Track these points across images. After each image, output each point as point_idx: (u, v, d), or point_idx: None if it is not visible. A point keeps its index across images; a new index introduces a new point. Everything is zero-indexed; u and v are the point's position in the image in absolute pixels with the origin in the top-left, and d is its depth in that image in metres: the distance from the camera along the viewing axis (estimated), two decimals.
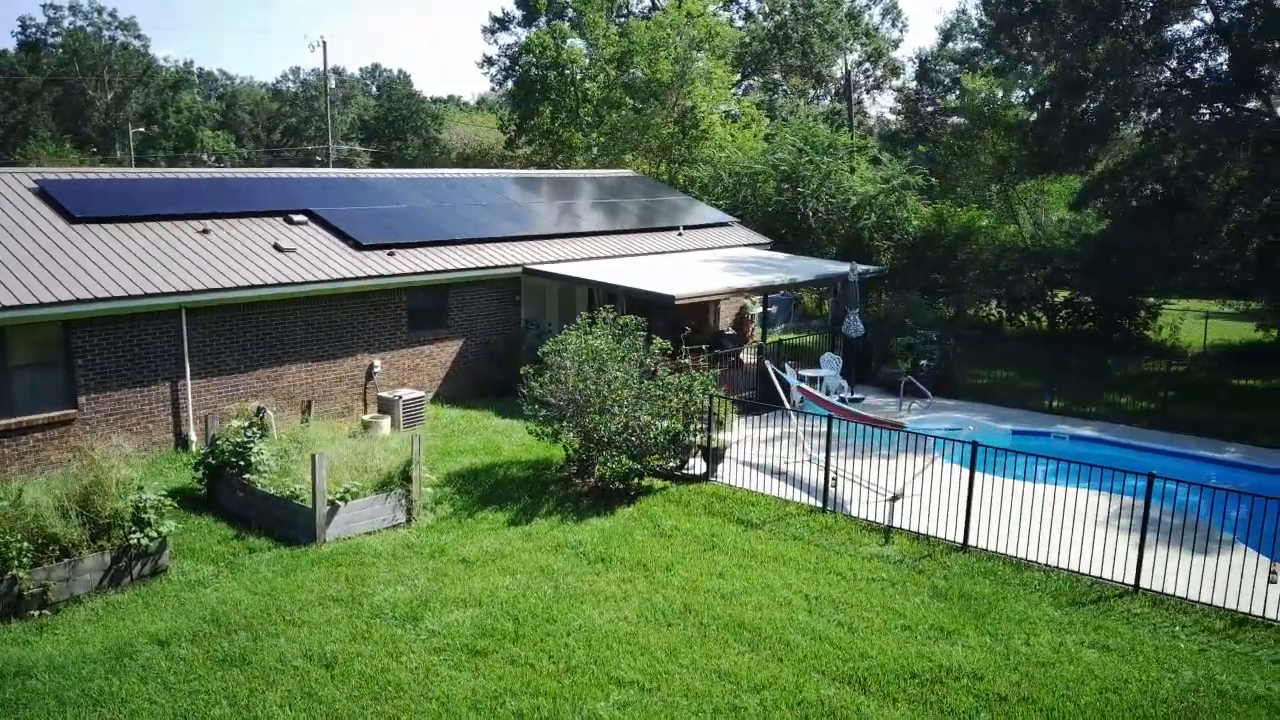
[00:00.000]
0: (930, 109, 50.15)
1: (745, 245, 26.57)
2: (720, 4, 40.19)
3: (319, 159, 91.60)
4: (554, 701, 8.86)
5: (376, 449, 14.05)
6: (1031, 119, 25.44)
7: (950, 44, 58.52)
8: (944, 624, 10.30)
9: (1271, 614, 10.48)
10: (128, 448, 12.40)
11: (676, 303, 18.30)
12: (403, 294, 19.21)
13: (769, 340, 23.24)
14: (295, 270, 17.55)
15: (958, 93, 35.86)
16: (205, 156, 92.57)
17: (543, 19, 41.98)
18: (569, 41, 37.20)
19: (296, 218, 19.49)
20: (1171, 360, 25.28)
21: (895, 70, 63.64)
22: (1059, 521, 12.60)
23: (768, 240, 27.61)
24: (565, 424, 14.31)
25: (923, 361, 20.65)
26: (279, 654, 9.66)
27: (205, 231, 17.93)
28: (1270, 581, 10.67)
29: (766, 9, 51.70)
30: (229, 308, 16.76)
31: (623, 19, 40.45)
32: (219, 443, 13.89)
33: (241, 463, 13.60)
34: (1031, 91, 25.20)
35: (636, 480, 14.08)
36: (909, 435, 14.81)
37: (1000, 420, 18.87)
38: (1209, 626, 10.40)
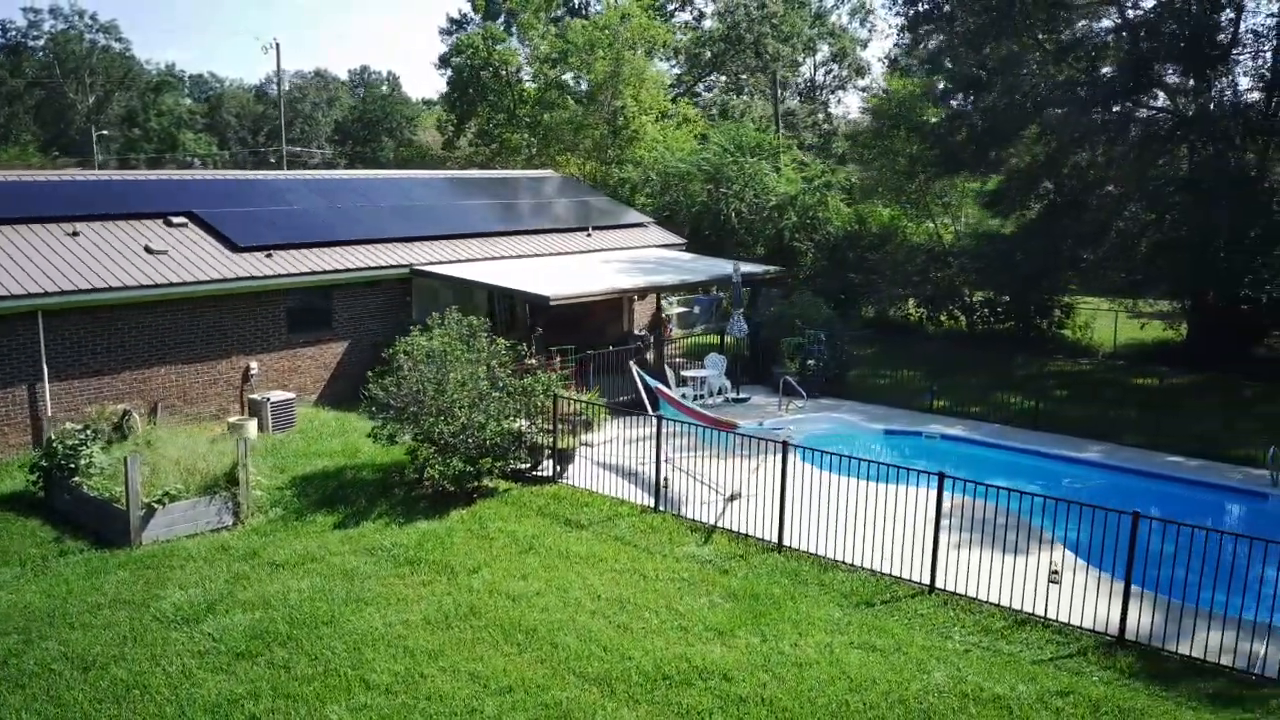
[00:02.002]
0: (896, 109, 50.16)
1: (657, 246, 26.55)
2: (653, 4, 40.10)
3: (311, 161, 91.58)
4: (293, 705, 8.85)
5: (213, 451, 14.02)
6: (934, 120, 25.45)
7: (923, 45, 58.52)
8: (720, 625, 10.28)
9: (1051, 614, 10.47)
10: None
11: (551, 304, 18.27)
12: (281, 295, 19.17)
13: (689, 341, 23.22)
14: (161, 272, 17.50)
15: (880, 92, 35.80)
16: (195, 160, 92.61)
17: (479, 18, 41.85)
18: (503, 43, 37.14)
19: (177, 220, 19.44)
20: (1079, 359, 25.39)
21: (860, 70, 63.64)
22: (876, 521, 12.56)
23: (681, 241, 27.59)
24: (403, 425, 14.27)
25: (810, 361, 20.63)
26: (41, 657, 9.64)
27: (75, 234, 17.87)
28: (1051, 582, 10.65)
29: (720, 9, 51.59)
30: (92, 310, 16.71)
31: (567, 18, 40.38)
32: (54, 445, 13.86)
33: (73, 465, 13.57)
34: (940, 89, 25.19)
35: (473, 482, 14.04)
36: (748, 435, 14.77)
37: (876, 420, 18.86)
38: (988, 626, 10.39)
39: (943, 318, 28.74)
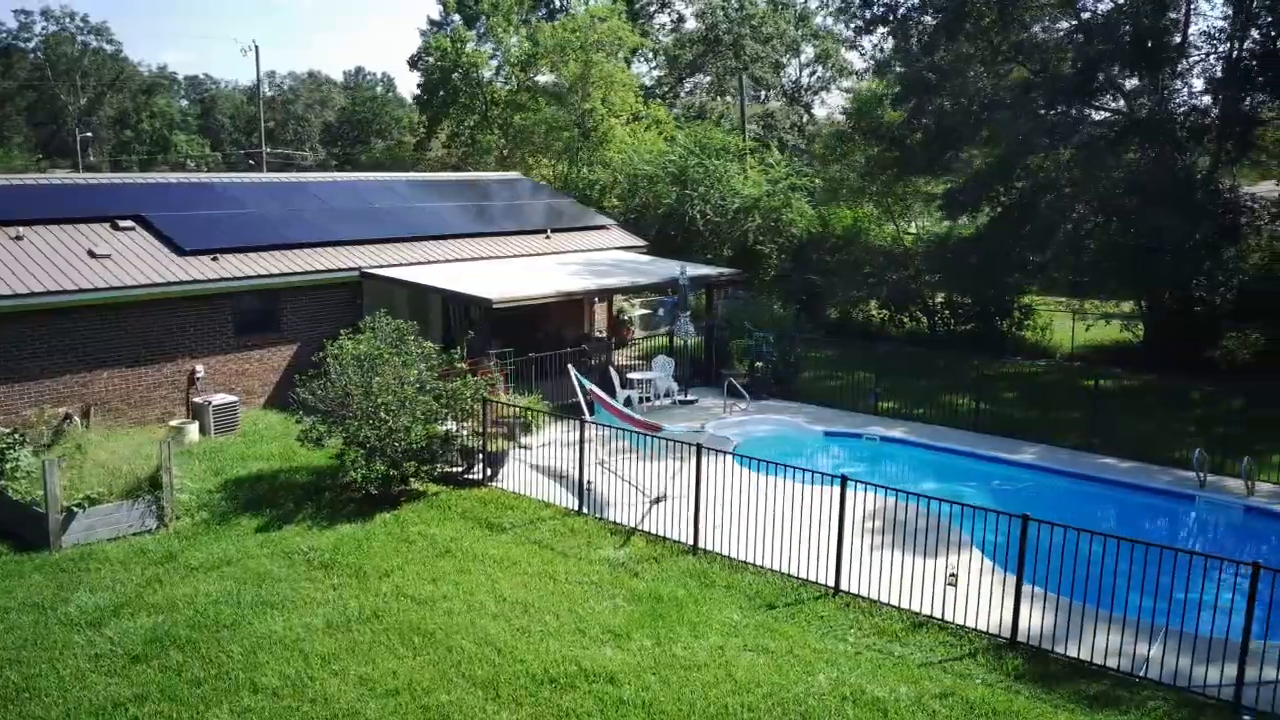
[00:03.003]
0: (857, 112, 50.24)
1: (617, 248, 26.61)
2: (629, 7, 40.20)
3: (304, 162, 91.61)
4: (177, 708, 8.92)
5: (139, 455, 14.07)
6: (890, 122, 25.52)
7: (878, 48, 58.58)
8: (618, 628, 10.35)
9: (950, 616, 10.54)
10: None
11: (494, 306, 18.33)
12: (227, 298, 19.22)
13: (651, 343, 23.23)
14: (103, 276, 17.56)
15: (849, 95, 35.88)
16: (188, 162, 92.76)
17: (459, 19, 41.91)
18: (471, 45, 37.19)
19: (124, 223, 19.50)
20: (1037, 361, 25.47)
21: (843, 71, 63.70)
22: (789, 523, 12.58)
23: (643, 243, 27.66)
24: (331, 429, 14.33)
25: (758, 364, 20.70)
26: None
27: (18, 238, 17.92)
28: (948, 585, 10.72)
29: (698, 11, 51.68)
30: (31, 314, 16.75)
31: (536, 19, 40.44)
32: None
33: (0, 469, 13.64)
34: (895, 92, 25.25)
35: (399, 486, 14.12)
36: (665, 438, 14.84)
37: (820, 422, 18.92)
38: (885, 629, 10.46)
39: (905, 320, 28.82)
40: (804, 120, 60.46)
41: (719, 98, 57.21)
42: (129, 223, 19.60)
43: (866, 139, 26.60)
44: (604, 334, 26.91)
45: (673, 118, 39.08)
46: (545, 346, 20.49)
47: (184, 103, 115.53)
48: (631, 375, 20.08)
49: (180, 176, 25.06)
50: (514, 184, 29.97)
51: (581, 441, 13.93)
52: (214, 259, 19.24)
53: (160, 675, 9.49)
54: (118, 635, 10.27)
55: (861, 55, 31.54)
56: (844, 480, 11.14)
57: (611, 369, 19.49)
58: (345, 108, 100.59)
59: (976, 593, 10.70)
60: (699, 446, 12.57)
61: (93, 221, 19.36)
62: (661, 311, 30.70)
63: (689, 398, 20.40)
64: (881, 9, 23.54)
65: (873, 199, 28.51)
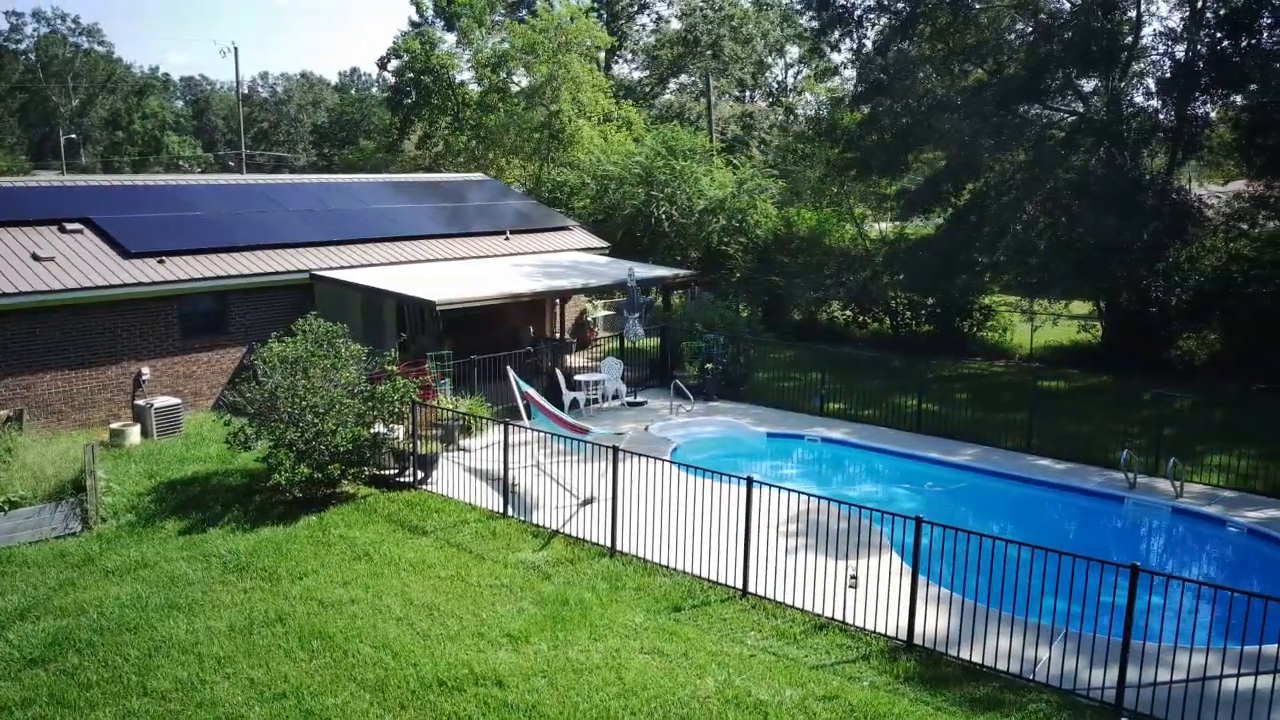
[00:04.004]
0: (816, 114, 50.29)
1: (577, 250, 26.62)
2: (603, 7, 40.21)
3: (297, 164, 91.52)
4: (64, 712, 8.94)
5: (65, 458, 14.10)
6: (847, 124, 25.55)
7: (836, 49, 58.59)
8: (518, 631, 10.37)
9: (851, 619, 10.56)
10: None
11: (438, 308, 18.34)
12: (173, 301, 19.24)
13: (616, 345, 23.14)
14: (44, 279, 17.58)
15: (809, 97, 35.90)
16: (181, 163, 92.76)
17: (441, 21, 41.93)
18: (444, 46, 37.19)
19: (71, 226, 19.52)
20: (996, 361, 25.51)
21: (827, 71, 63.71)
22: (707, 525, 12.59)
23: (604, 245, 27.67)
24: (259, 430, 14.35)
25: (708, 365, 20.72)
26: None
27: None
28: (849, 586, 10.74)
29: (678, 13, 51.68)
30: None
31: (508, 20, 40.42)
32: None
33: None
34: (854, 93, 25.28)
35: (325, 489, 14.14)
36: (587, 441, 14.84)
37: (765, 423, 18.93)
38: (785, 631, 10.48)
39: (869, 321, 28.86)
40: (788, 120, 60.47)
41: (700, 99, 57.22)
42: (76, 225, 19.62)
43: (824, 140, 26.60)
44: (568, 336, 26.96)
45: (644, 118, 39.06)
46: (502, 348, 20.51)
47: (179, 104, 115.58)
48: (579, 377, 20.09)
49: (134, 179, 25.03)
50: (478, 185, 29.98)
51: (505, 445, 13.95)
52: (160, 261, 19.26)
53: (52, 679, 9.51)
54: (19, 639, 10.29)
55: (820, 57, 31.39)
56: (749, 482, 11.16)
57: (558, 371, 19.49)
58: (334, 108, 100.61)
59: (885, 595, 10.72)
60: (615, 449, 12.58)
61: (40, 224, 19.39)
62: (626, 312, 30.69)
63: (638, 399, 20.42)
64: (838, 10, 23.53)
65: (833, 200, 28.54)
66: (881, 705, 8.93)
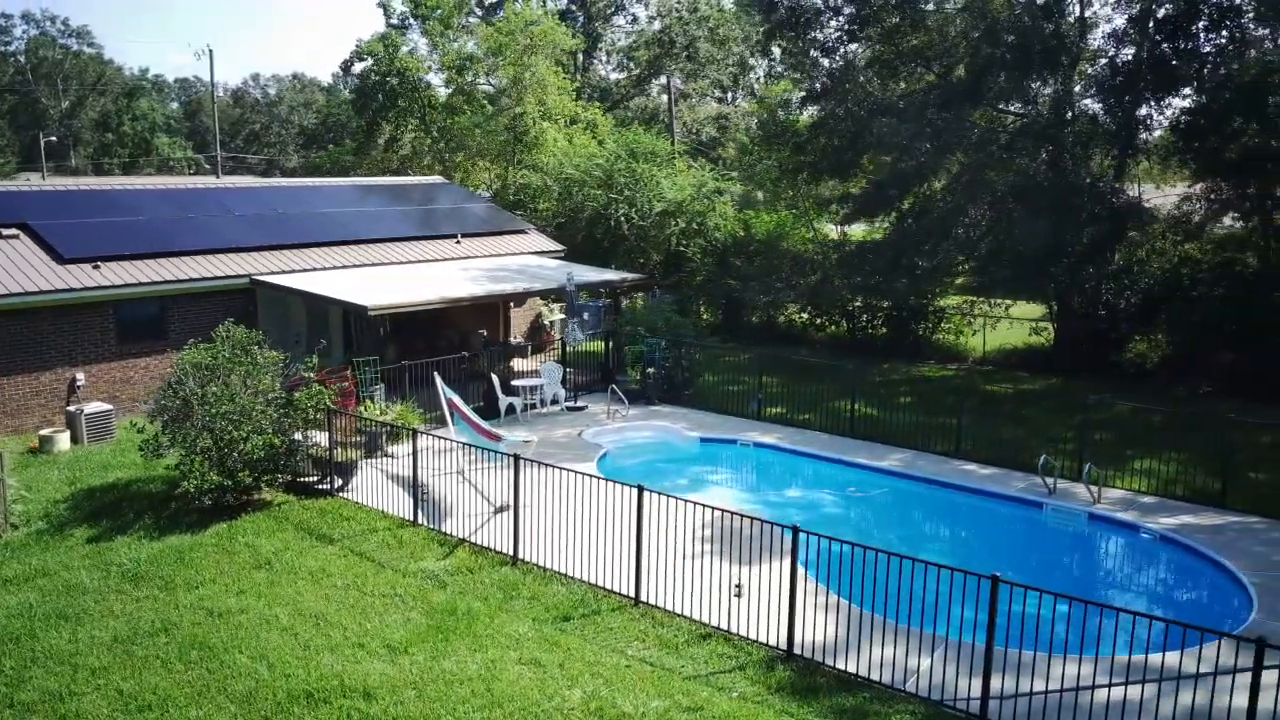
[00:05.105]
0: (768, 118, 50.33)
1: (531, 253, 26.57)
2: (556, 12, 40.19)
3: (289, 165, 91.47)
4: None
5: None
6: (796, 127, 25.55)
7: (785, 52, 58.46)
8: (400, 642, 10.32)
9: (734, 628, 10.52)
10: None
11: (370, 314, 18.29)
12: (110, 306, 19.20)
13: (572, 348, 23.04)
14: None
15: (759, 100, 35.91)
16: (173, 164, 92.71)
17: (419, 22, 41.86)
18: (407, 49, 37.15)
19: (7, 231, 19.49)
20: (948, 365, 25.47)
21: (776, 74, 63.57)
22: (607, 534, 12.52)
23: (559, 249, 27.63)
24: (173, 437, 14.31)
25: (649, 369, 20.68)
26: None
27: None
28: (735, 595, 10.70)
29: (654, 14, 51.62)
30: None
31: (478, 22, 40.38)
32: None
33: None
34: (802, 96, 25.26)
35: (235, 496, 14.09)
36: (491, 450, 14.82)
37: (700, 428, 18.87)
38: (669, 641, 10.44)
39: (827, 324, 28.83)
40: (756, 123, 60.43)
41: (680, 100, 57.18)
42: (12, 230, 19.59)
43: (773, 144, 26.59)
44: (522, 339, 26.92)
45: (610, 121, 39.03)
46: (451, 352, 20.42)
47: (174, 105, 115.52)
48: (516, 382, 20.05)
49: (78, 183, 25.02)
50: (435, 189, 29.93)
51: (414, 452, 13.92)
52: (96, 266, 19.22)
53: None
54: None
55: (770, 60, 31.40)
56: (640, 490, 11.12)
57: (494, 376, 19.44)
58: (321, 110, 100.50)
59: (772, 605, 10.66)
60: (517, 457, 12.54)
61: None
62: (587, 315, 30.64)
63: (579, 404, 20.38)
64: (786, 11, 23.49)
65: (787, 203, 28.50)
66: (744, 716, 8.89)
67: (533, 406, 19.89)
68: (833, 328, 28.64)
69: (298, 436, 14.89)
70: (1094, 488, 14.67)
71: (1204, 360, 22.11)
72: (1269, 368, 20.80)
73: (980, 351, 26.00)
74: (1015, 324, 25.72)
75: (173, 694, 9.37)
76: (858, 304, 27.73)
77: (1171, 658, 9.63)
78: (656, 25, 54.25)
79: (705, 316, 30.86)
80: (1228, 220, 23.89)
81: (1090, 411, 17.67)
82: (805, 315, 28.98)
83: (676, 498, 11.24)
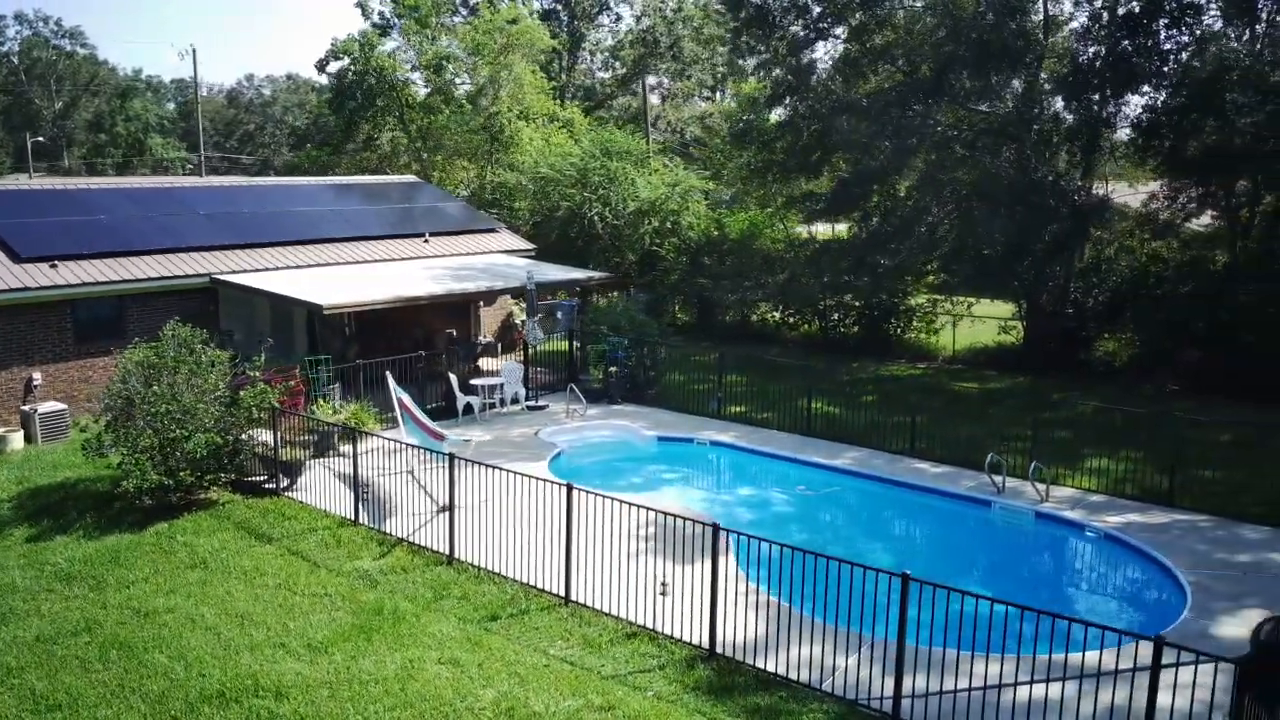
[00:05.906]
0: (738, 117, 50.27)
1: (499, 252, 26.51)
2: (535, 11, 40.14)
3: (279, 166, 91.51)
4: None
5: None
6: (767, 126, 25.49)
7: (752, 51, 58.36)
8: (321, 642, 10.26)
9: (660, 627, 10.46)
10: None
11: (325, 312, 18.22)
12: (67, 305, 19.14)
13: (544, 348, 23.01)
14: None
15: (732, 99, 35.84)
16: (166, 165, 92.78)
17: (400, 21, 41.77)
18: (382, 48, 37.08)
19: None
20: (919, 363, 25.43)
21: (743, 71, 63.47)
22: (541, 532, 12.45)
23: (529, 248, 27.57)
24: (116, 436, 14.25)
25: (612, 368, 20.62)
26: None
27: None
28: (660, 594, 10.64)
29: (638, 14, 51.55)
30: None
31: (457, 21, 40.31)
32: None
33: None
34: (768, 95, 25.20)
35: (177, 495, 14.02)
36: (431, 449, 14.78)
37: (659, 427, 18.80)
38: (593, 640, 10.37)
39: (800, 323, 28.77)
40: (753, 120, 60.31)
41: (666, 100, 57.13)
42: None
43: (744, 142, 26.54)
44: (491, 338, 26.85)
45: (588, 121, 38.96)
46: (413, 352, 20.33)
47: (170, 106, 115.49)
48: (476, 381, 19.99)
49: (43, 183, 24.95)
50: (407, 187, 29.86)
51: (354, 455, 13.87)
52: (52, 265, 19.15)
53: None
54: None
55: (738, 58, 31.35)
56: (569, 489, 11.06)
57: (451, 375, 19.38)
58: (313, 110, 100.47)
59: (699, 604, 10.59)
60: (451, 457, 12.48)
61: None
62: (560, 315, 30.61)
63: (539, 403, 20.32)
64: (754, 10, 23.42)
65: (757, 201, 28.44)
66: (655, 715, 8.83)
67: (492, 406, 19.83)
68: (805, 326, 28.59)
69: (243, 436, 14.82)
70: (1041, 486, 14.61)
71: (1172, 358, 22.06)
72: (1236, 366, 20.75)
73: (950, 350, 25.93)
74: (986, 323, 25.64)
75: (85, 693, 9.31)
76: (829, 303, 27.67)
77: (1091, 657, 9.56)
78: (642, 24, 54.29)
79: (681, 316, 30.81)
80: (1198, 218, 23.85)
81: (1051, 410, 17.66)
82: (778, 314, 28.93)
83: (607, 496, 11.16)
